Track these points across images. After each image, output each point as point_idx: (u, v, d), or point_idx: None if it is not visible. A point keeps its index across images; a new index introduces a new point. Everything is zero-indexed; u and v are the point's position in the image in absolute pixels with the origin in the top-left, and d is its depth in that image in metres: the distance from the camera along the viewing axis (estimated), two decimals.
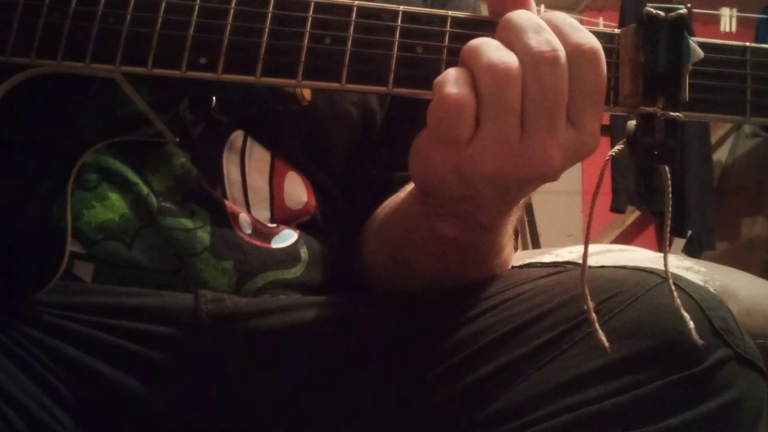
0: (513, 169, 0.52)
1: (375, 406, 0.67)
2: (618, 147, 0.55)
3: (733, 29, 3.42)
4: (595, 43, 0.53)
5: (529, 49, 0.51)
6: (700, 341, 0.56)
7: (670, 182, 0.57)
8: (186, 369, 0.67)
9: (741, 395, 0.59)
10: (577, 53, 0.52)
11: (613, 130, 2.69)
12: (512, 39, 0.52)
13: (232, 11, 0.55)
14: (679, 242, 3.57)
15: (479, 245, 0.67)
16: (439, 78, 0.52)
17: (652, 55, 0.53)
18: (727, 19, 3.44)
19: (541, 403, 0.60)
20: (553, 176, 0.54)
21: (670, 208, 0.58)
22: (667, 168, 0.56)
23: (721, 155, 3.97)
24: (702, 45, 0.54)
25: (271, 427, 0.68)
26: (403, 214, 0.70)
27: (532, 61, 0.51)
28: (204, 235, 0.70)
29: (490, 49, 0.52)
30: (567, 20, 0.53)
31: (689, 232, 3.53)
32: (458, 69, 0.52)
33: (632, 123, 0.54)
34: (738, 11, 3.46)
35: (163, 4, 0.56)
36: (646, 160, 0.53)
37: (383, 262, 0.74)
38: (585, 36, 0.53)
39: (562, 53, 0.51)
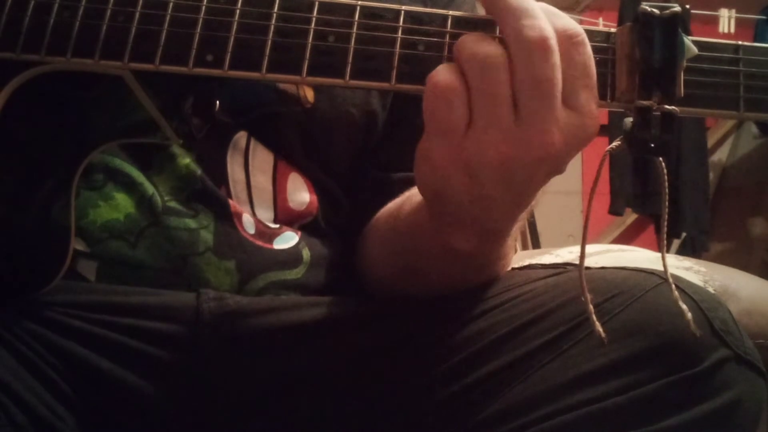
0: (514, 153, 0.53)
1: (376, 405, 0.67)
2: (616, 143, 0.56)
3: (732, 30, 3.42)
4: (578, 28, 0.54)
5: (519, 36, 0.52)
6: (698, 331, 0.57)
7: (666, 176, 0.57)
8: (187, 367, 0.67)
9: (740, 395, 0.60)
10: (562, 38, 0.53)
11: (611, 130, 2.69)
12: (505, 28, 0.53)
13: (238, 11, 0.56)
14: (674, 244, 3.58)
15: (490, 253, 0.67)
16: (431, 72, 0.53)
17: (647, 52, 0.54)
18: (726, 20, 3.44)
19: (541, 403, 0.61)
20: (556, 161, 0.54)
21: (666, 203, 0.59)
22: (662, 161, 0.57)
23: (721, 155, 3.97)
24: (696, 43, 0.55)
25: (272, 426, 0.68)
26: (411, 228, 0.69)
27: (525, 49, 0.52)
28: (207, 235, 0.70)
29: (475, 39, 0.53)
30: (547, 9, 0.54)
31: (684, 234, 3.53)
32: (448, 63, 0.54)
33: (629, 119, 0.55)
34: (737, 12, 3.46)
35: (171, 3, 0.56)
36: (643, 153, 0.54)
37: (390, 270, 0.74)
38: (568, 22, 0.54)
39: (553, 41, 0.52)
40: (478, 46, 0.52)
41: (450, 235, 0.61)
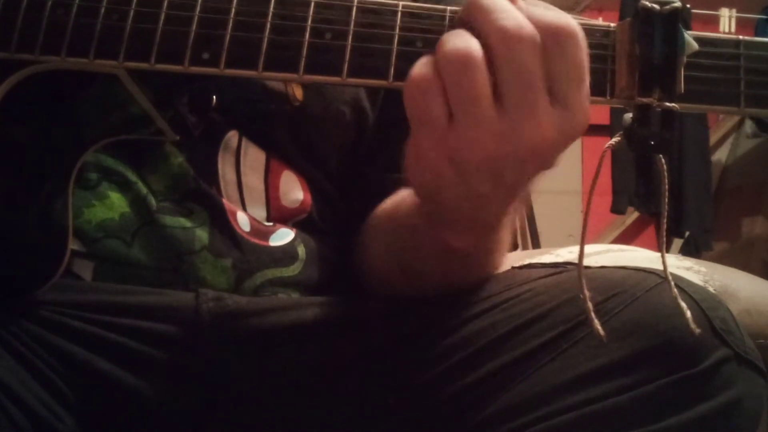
0: (502, 151, 0.52)
1: (376, 406, 0.67)
2: (615, 139, 0.55)
3: (733, 30, 3.43)
4: (571, 21, 0.52)
5: (496, 28, 0.51)
6: (697, 330, 0.56)
7: (666, 173, 0.57)
8: (187, 367, 0.67)
9: (740, 395, 0.59)
10: (553, 32, 0.51)
11: (612, 131, 2.69)
12: (480, 23, 0.52)
13: (233, 8, 0.56)
14: (677, 243, 3.58)
15: (485, 246, 0.67)
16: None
17: (647, 48, 0.53)
18: (727, 19, 3.45)
19: (541, 403, 0.60)
20: (546, 155, 0.53)
21: (666, 200, 0.58)
22: (662, 159, 0.56)
23: (721, 155, 3.98)
24: (696, 38, 0.55)
25: (271, 426, 0.68)
26: (409, 229, 0.69)
27: (502, 40, 0.50)
28: (202, 234, 0.70)
29: (452, 38, 0.51)
30: (539, 3, 0.53)
31: (687, 233, 3.53)
32: (429, 56, 0.52)
33: (629, 115, 0.54)
34: (737, 12, 3.46)
35: (166, 0, 0.56)
36: (643, 150, 0.53)
37: (390, 270, 0.74)
38: (559, 15, 0.52)
39: (530, 29, 0.51)
40: (454, 44, 0.51)
41: (446, 234, 0.61)
